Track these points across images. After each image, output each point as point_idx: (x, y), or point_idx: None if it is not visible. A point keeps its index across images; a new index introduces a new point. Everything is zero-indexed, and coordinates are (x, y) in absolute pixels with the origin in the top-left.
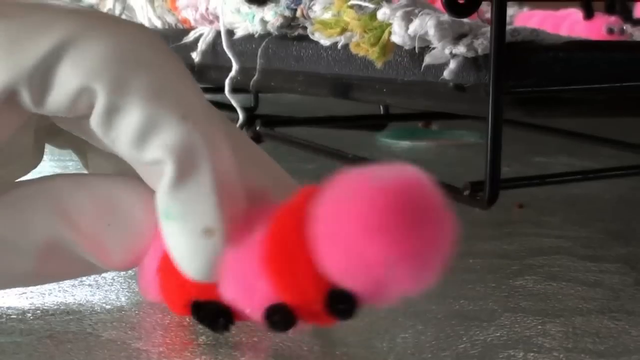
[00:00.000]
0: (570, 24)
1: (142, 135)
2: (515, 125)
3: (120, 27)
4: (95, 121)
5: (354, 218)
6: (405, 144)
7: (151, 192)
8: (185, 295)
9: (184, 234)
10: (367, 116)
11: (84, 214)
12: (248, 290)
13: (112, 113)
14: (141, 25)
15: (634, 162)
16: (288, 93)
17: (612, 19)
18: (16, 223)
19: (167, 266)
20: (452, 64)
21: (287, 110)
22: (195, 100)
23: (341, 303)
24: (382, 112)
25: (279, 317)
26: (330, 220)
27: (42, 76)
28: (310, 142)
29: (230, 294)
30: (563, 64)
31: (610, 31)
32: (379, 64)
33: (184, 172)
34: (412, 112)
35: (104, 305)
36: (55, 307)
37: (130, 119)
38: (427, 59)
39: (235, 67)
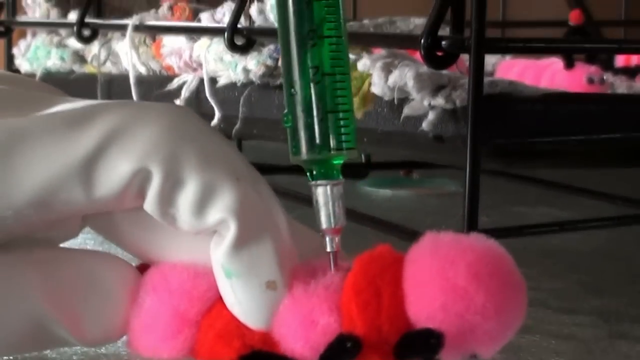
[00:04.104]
0: (551, 74)
1: (202, 202)
2: (495, 175)
3: (159, 110)
4: (152, 202)
5: (462, 263)
6: (386, 192)
7: (131, 269)
8: (235, 351)
9: (248, 290)
10: (348, 164)
11: (63, 287)
12: (308, 326)
13: (170, 189)
14: (175, 105)
15: (612, 213)
16: (270, 141)
17: (593, 68)
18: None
19: (211, 324)
20: (431, 115)
21: (270, 158)
22: (242, 164)
23: (412, 347)
24: (363, 160)
25: (351, 343)
26: (433, 263)
27: (92, 167)
28: (292, 190)
29: (284, 331)
30: (540, 116)
31: (591, 81)
32: (359, 114)
33: (245, 230)
34: (393, 160)
35: None
36: None
37: (189, 190)
38: (406, 110)
39: (217, 114)
